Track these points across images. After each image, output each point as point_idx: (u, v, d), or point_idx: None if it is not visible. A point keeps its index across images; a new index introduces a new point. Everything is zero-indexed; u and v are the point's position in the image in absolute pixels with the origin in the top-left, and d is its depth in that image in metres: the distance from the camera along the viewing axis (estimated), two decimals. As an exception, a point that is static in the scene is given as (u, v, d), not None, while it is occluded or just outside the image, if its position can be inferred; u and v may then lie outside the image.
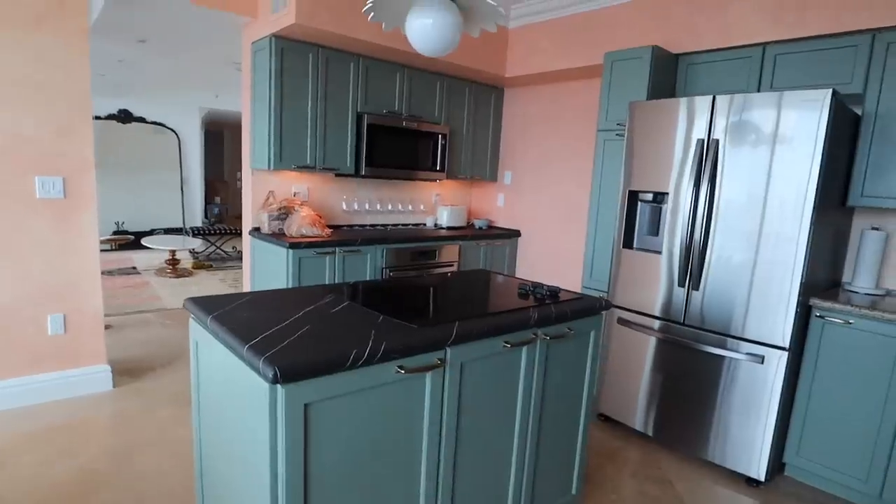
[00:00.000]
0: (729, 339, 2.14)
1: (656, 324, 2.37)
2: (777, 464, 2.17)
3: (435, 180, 3.83)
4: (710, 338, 2.19)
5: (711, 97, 2.13)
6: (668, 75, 2.68)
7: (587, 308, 1.65)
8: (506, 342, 1.41)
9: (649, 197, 2.40)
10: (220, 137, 9.60)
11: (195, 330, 1.40)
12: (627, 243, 2.48)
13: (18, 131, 2.32)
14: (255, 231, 3.10)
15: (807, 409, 2.10)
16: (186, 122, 7.83)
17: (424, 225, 3.96)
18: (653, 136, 2.34)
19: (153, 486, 1.89)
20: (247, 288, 3.34)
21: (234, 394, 1.19)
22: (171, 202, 7.82)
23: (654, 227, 2.40)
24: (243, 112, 3.18)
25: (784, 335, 2.00)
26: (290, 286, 2.75)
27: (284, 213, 3.03)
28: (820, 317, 2.05)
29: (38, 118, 2.35)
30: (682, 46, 2.66)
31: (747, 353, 2.08)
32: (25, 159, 2.35)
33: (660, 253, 2.34)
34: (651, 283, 2.37)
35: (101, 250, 2.68)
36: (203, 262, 6.34)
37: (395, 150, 3.35)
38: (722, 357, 2.16)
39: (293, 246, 2.74)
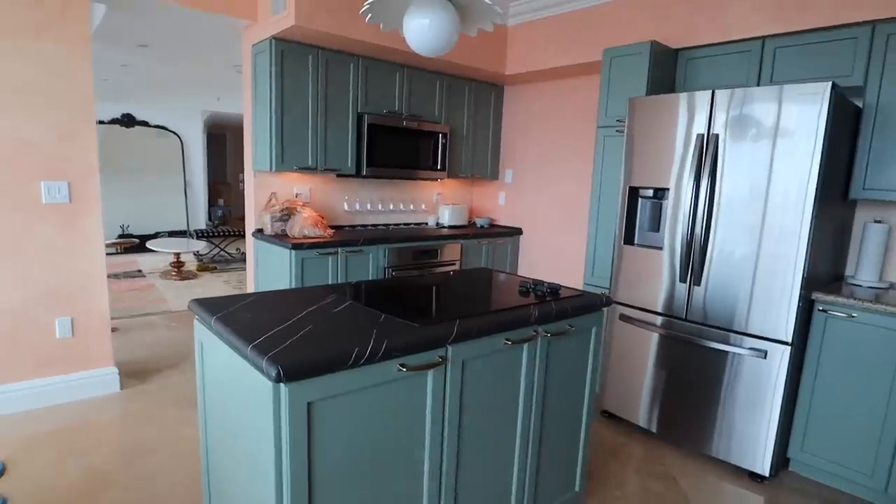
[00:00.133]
0: (731, 335, 2.14)
1: (658, 320, 2.37)
2: (781, 459, 2.17)
3: (436, 179, 3.84)
4: (713, 333, 2.19)
5: (711, 92, 2.13)
6: (668, 70, 2.68)
7: (588, 305, 1.66)
8: (507, 339, 1.42)
9: (650, 193, 2.40)
10: (223, 140, 9.65)
11: (200, 331, 1.41)
12: (628, 239, 2.48)
13: (24, 137, 2.35)
14: (258, 232, 3.12)
15: (810, 403, 2.09)
16: (189, 125, 7.88)
17: (426, 224, 3.97)
18: (653, 132, 2.34)
19: (161, 486, 1.91)
20: (251, 289, 3.36)
21: (238, 393, 1.21)
22: (175, 205, 7.87)
23: (655, 223, 2.40)
24: (245, 114, 3.20)
25: (787, 330, 1.99)
26: (293, 287, 2.77)
27: (287, 214, 3.05)
28: (823, 311, 2.04)
29: (42, 124, 2.38)
30: (682, 41, 2.66)
31: (750, 348, 2.08)
32: (31, 165, 2.38)
33: (661, 249, 2.34)
34: (653, 279, 2.37)
35: (107, 254, 2.71)
36: (207, 265, 6.39)
37: (395, 149, 3.36)
38: (725, 352, 2.16)
39: (296, 247, 2.75)
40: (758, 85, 2.41)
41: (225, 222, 8.65)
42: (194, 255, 6.57)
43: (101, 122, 7.03)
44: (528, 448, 1.57)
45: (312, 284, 2.75)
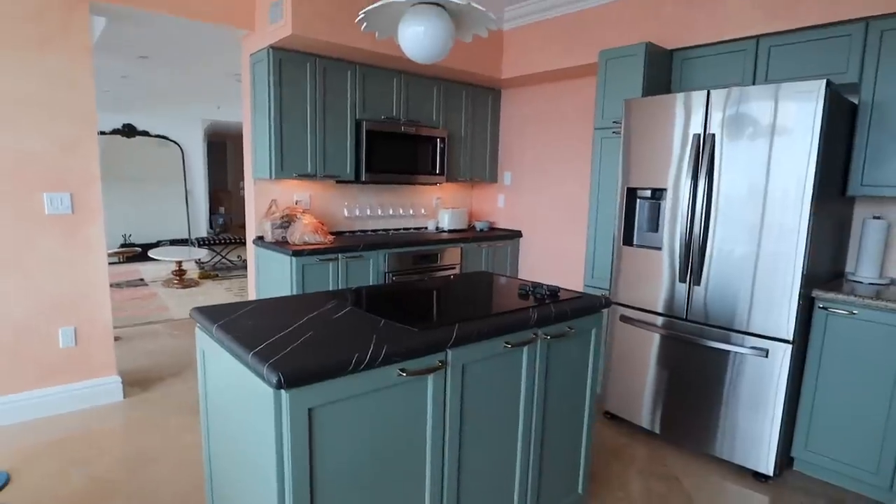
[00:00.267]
0: (732, 334, 2.14)
1: (659, 320, 2.37)
2: (785, 458, 2.16)
3: (435, 184, 3.86)
4: (713, 333, 2.19)
5: (706, 92, 2.14)
6: (663, 71, 2.69)
7: (587, 306, 1.66)
8: (506, 343, 1.43)
9: (648, 193, 2.41)
10: (223, 148, 9.70)
11: (202, 339, 1.42)
12: (627, 240, 2.48)
13: (27, 149, 2.37)
14: (259, 240, 3.14)
15: (813, 402, 2.09)
16: (189, 134, 7.93)
17: (426, 228, 3.98)
18: (649, 133, 2.35)
19: (164, 494, 1.92)
20: (252, 296, 3.38)
21: (240, 400, 1.22)
22: (177, 213, 7.91)
23: (654, 224, 2.41)
24: (244, 123, 3.23)
25: (788, 328, 1.99)
26: (294, 293, 2.78)
27: (287, 221, 3.06)
28: (823, 308, 2.04)
29: (45, 136, 2.40)
30: (676, 42, 2.67)
31: (751, 347, 2.08)
32: (34, 176, 2.40)
33: (660, 249, 2.34)
34: (652, 279, 2.38)
35: (109, 263, 2.73)
36: (209, 272, 6.41)
37: (394, 155, 3.38)
38: (726, 352, 2.16)
39: (296, 253, 2.77)
40: (753, 84, 2.42)
41: (226, 230, 8.68)
42: (196, 262, 6.59)
43: (102, 133, 7.07)
44: (530, 451, 1.57)
45: (313, 290, 2.76)
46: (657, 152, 2.32)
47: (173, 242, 7.64)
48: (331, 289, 2.89)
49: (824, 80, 1.85)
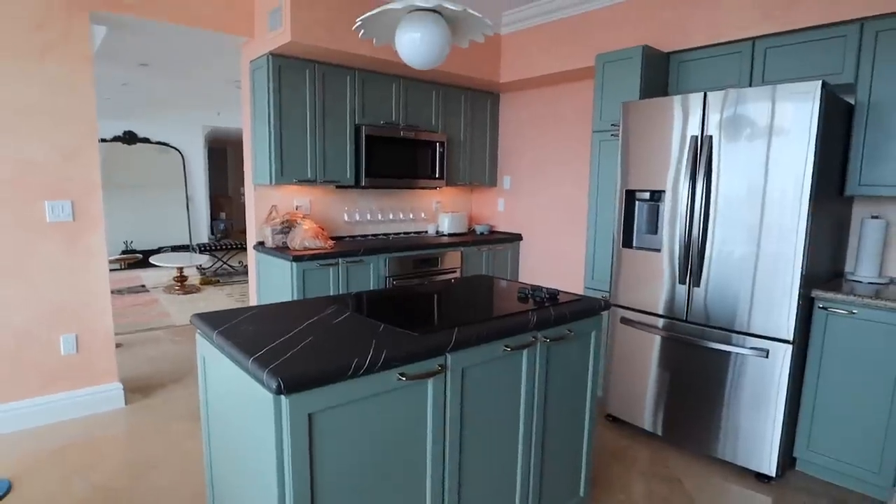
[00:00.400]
0: (733, 335, 2.14)
1: (659, 322, 2.37)
2: (787, 459, 2.16)
3: (435, 188, 3.87)
4: (714, 334, 2.19)
5: (703, 94, 2.15)
6: (660, 74, 2.70)
7: (586, 309, 1.66)
8: (506, 346, 1.43)
9: (646, 195, 2.42)
10: (224, 154, 9.74)
11: (202, 345, 1.43)
12: (627, 242, 2.49)
13: (28, 158, 2.39)
14: (260, 245, 3.15)
15: (814, 402, 2.09)
16: (190, 140, 7.96)
17: (426, 233, 3.99)
18: (647, 135, 2.35)
19: (166, 501, 1.92)
20: (253, 302, 3.38)
21: (240, 406, 1.22)
22: (178, 220, 7.93)
23: (653, 226, 2.41)
24: (244, 129, 3.24)
25: (788, 328, 1.99)
26: (295, 298, 2.79)
27: (287, 226, 3.07)
28: (823, 308, 2.04)
29: (46, 144, 2.42)
30: (673, 45, 2.68)
31: (752, 348, 2.08)
32: (35, 185, 2.42)
33: (659, 251, 2.35)
34: (652, 281, 2.38)
35: (111, 270, 2.74)
36: (210, 278, 6.42)
37: (394, 159, 3.39)
38: (726, 353, 2.15)
39: (297, 259, 2.78)
40: (750, 85, 2.43)
41: (227, 235, 8.70)
42: (197, 268, 6.60)
43: (103, 140, 7.11)
44: (531, 454, 1.57)
45: (314, 295, 2.77)
46: (655, 154, 2.33)
47: (175, 249, 7.66)
48: (331, 294, 2.90)
49: (820, 82, 1.86)
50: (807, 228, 1.92)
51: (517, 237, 3.94)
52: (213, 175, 8.78)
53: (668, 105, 2.26)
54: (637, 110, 2.39)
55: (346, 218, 3.59)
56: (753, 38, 2.41)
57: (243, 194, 3.93)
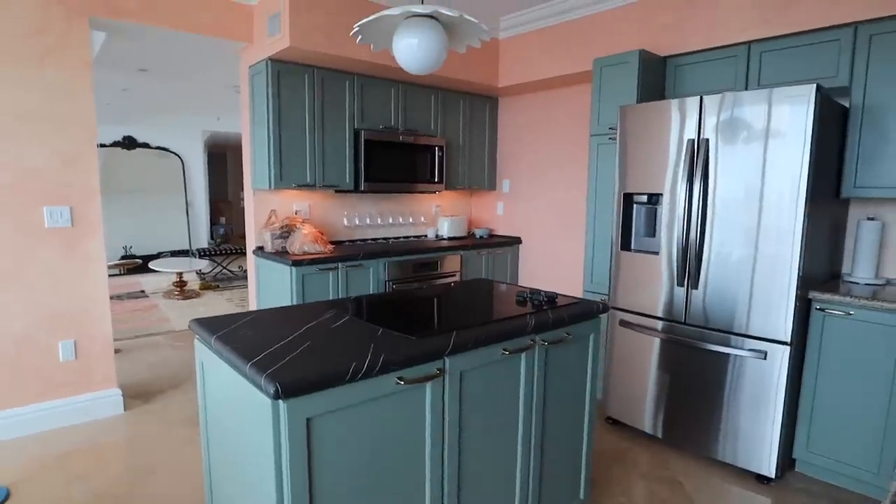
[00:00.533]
0: (731, 337, 2.14)
1: (658, 324, 2.37)
2: (787, 460, 2.16)
3: (434, 192, 3.88)
4: (713, 336, 2.19)
5: (699, 98, 2.16)
6: (657, 77, 2.72)
7: (585, 312, 1.67)
8: (504, 349, 1.44)
9: (644, 198, 2.43)
10: (224, 159, 9.75)
11: (201, 350, 1.43)
12: (625, 245, 2.50)
13: (27, 163, 2.39)
14: (259, 250, 3.15)
15: (813, 403, 2.09)
16: (189, 145, 7.97)
17: (426, 237, 4.00)
18: (644, 139, 2.37)
19: (166, 507, 1.91)
20: (253, 306, 3.39)
21: (239, 411, 1.23)
22: (177, 224, 7.93)
23: (651, 229, 2.42)
24: (243, 134, 3.26)
25: (785, 330, 2.00)
26: (294, 303, 2.79)
27: (287, 231, 3.08)
28: (820, 309, 2.05)
29: (45, 150, 2.43)
30: (669, 49, 2.70)
31: (750, 350, 2.09)
32: (34, 190, 2.42)
33: (657, 254, 2.36)
34: (651, 283, 2.39)
35: (110, 275, 2.74)
36: (210, 283, 6.42)
37: (393, 164, 3.41)
38: (725, 355, 2.16)
39: (296, 263, 2.78)
40: (745, 88, 2.44)
41: (227, 240, 8.70)
42: (197, 273, 6.60)
43: (102, 145, 7.12)
44: (531, 457, 1.57)
45: (313, 300, 2.77)
46: (653, 157, 2.34)
47: (174, 254, 7.65)
48: (331, 298, 2.90)
49: (814, 85, 1.87)
50: (803, 230, 1.93)
51: (516, 240, 3.95)
52: (213, 180, 8.79)
53: (665, 109, 2.28)
54: (634, 114, 2.40)
55: (345, 222, 3.60)
56: (749, 42, 2.43)
57: (243, 199, 3.94)
